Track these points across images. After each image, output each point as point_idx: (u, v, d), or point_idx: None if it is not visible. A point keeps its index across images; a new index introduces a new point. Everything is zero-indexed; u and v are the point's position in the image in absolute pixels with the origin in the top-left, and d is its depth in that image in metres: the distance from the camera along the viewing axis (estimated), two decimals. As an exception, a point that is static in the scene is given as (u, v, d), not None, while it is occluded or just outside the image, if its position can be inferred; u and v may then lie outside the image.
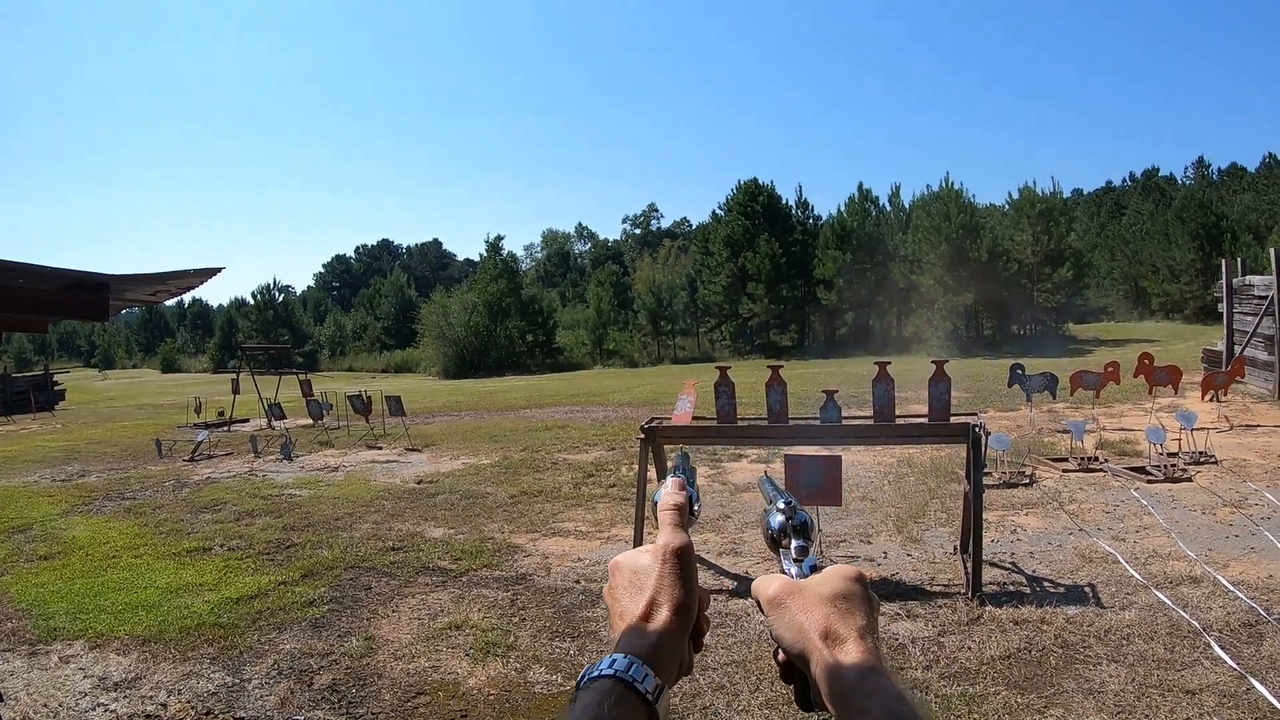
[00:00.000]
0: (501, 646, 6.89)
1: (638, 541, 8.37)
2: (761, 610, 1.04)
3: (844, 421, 8.36)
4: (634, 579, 1.03)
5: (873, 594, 1.03)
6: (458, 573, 8.84)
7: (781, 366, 8.56)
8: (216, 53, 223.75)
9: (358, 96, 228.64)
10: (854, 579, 1.02)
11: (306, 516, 11.41)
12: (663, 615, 0.98)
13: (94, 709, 5.96)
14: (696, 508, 1.15)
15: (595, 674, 0.91)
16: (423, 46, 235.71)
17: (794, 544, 1.09)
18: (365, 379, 51.49)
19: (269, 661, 6.69)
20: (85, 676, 6.50)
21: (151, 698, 6.11)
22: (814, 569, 1.06)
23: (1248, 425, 15.46)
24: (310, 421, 20.85)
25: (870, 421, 8.29)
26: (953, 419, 8.13)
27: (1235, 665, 6.03)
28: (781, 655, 1.01)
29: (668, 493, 1.12)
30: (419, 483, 13.48)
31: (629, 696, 0.89)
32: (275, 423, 21.40)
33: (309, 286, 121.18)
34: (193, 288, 5.54)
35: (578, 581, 8.50)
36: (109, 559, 9.71)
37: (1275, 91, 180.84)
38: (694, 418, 8.74)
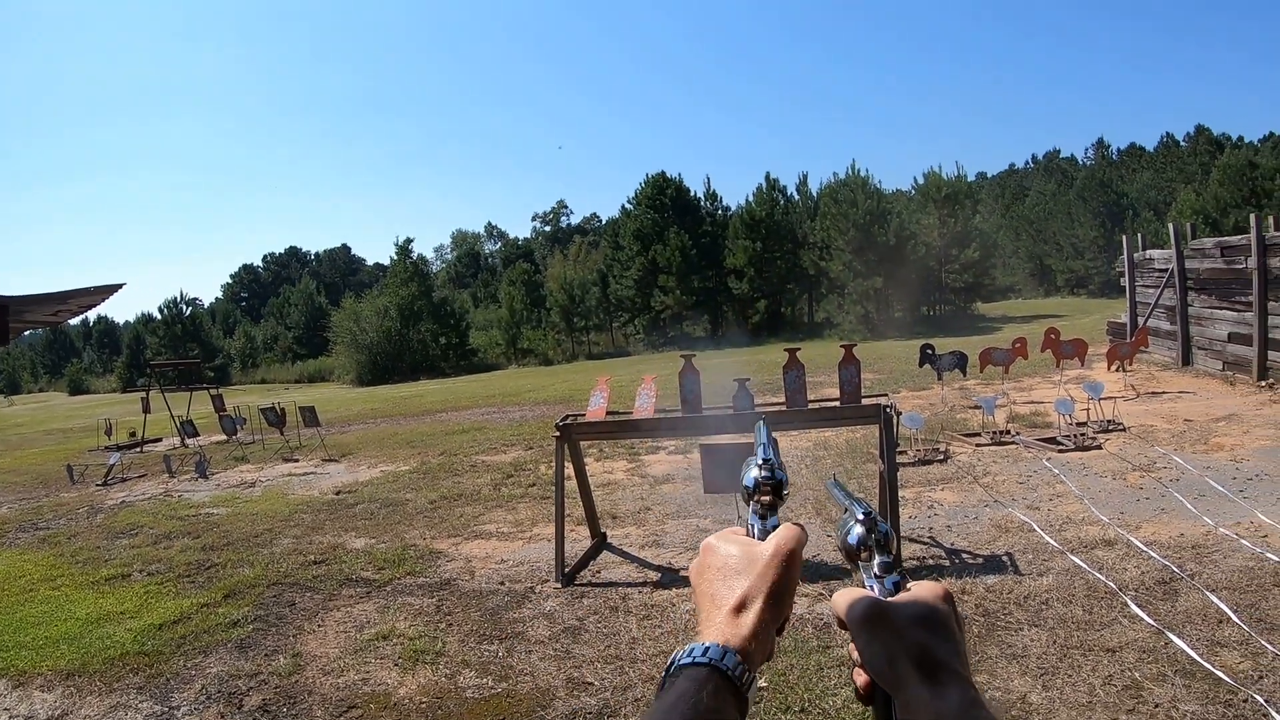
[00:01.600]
0: (430, 654, 6.83)
1: (559, 539, 8.34)
2: (843, 626, 0.99)
3: (757, 408, 8.40)
4: (728, 564, 1.01)
5: (960, 613, 1.00)
6: (381, 582, 8.71)
7: (693, 355, 8.58)
8: (104, 56, 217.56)
9: (259, 101, 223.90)
10: (943, 598, 0.98)
11: (226, 535, 11.14)
12: (757, 606, 0.97)
13: (19, 749, 5.79)
14: (786, 491, 1.12)
15: (688, 660, 0.92)
16: (324, 48, 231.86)
17: (878, 560, 1.03)
18: (279, 390, 50.56)
19: (197, 686, 6.53)
20: (11, 717, 6.28)
21: (79, 733, 5.95)
22: (897, 586, 1.01)
23: (1153, 393, 15.88)
24: (224, 437, 20.39)
25: (783, 407, 8.34)
26: (864, 400, 8.25)
27: (1152, 621, 6.20)
28: (862, 677, 0.96)
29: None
30: (338, 493, 13.27)
31: (724, 686, 0.89)
32: (188, 441, 20.89)
33: (217, 298, 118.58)
34: (95, 305, 5.41)
35: (502, 583, 8.43)
36: (26, 592, 9.36)
37: (1171, 73, 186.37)
38: (608, 412, 8.74)
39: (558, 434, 8.46)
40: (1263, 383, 15.25)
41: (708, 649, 0.92)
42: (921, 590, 0.99)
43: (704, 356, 8.79)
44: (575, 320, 65.97)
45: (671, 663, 0.94)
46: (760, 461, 1.11)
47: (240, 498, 13.63)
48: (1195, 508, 8.76)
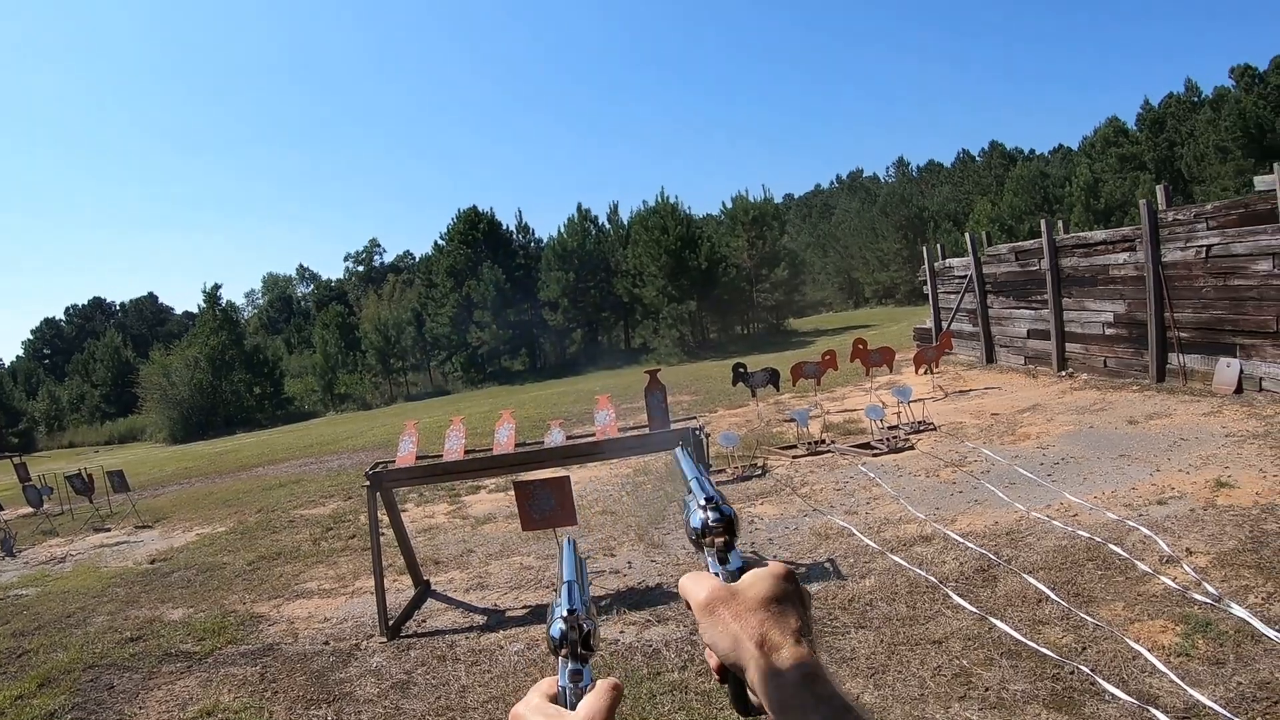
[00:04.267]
0: (256, 727, 6.54)
1: (380, 592, 8.14)
2: (691, 610, 0.99)
3: (570, 441, 8.40)
4: None
5: (805, 590, 1.00)
6: (202, 654, 8.30)
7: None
8: None
9: (52, 138, 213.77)
10: (784, 578, 0.99)
11: (36, 618, 10.42)
12: None
13: None
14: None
15: None
16: (121, 81, 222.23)
17: (719, 541, 1.02)
18: (88, 454, 48.20)
19: None
20: None
21: None
22: (741, 569, 1.01)
23: (961, 391, 16.55)
24: (30, 510, 19.20)
25: (594, 438, 8.36)
26: (673, 425, 8.30)
27: (975, 609, 6.41)
28: (715, 659, 0.97)
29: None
30: (152, 562, 12.61)
31: None
32: (-9, 516, 19.74)
33: (18, 357, 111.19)
34: None
35: (327, 643, 8.16)
36: None
37: (965, 92, 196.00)
38: (419, 456, 8.60)
39: (368, 484, 8.29)
40: (1062, 373, 16.16)
41: None
42: (763, 572, 1.00)
43: (524, 390, 8.72)
44: (392, 361, 65.05)
45: None
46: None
47: (50, 575, 12.83)
48: (1007, 496, 9.16)
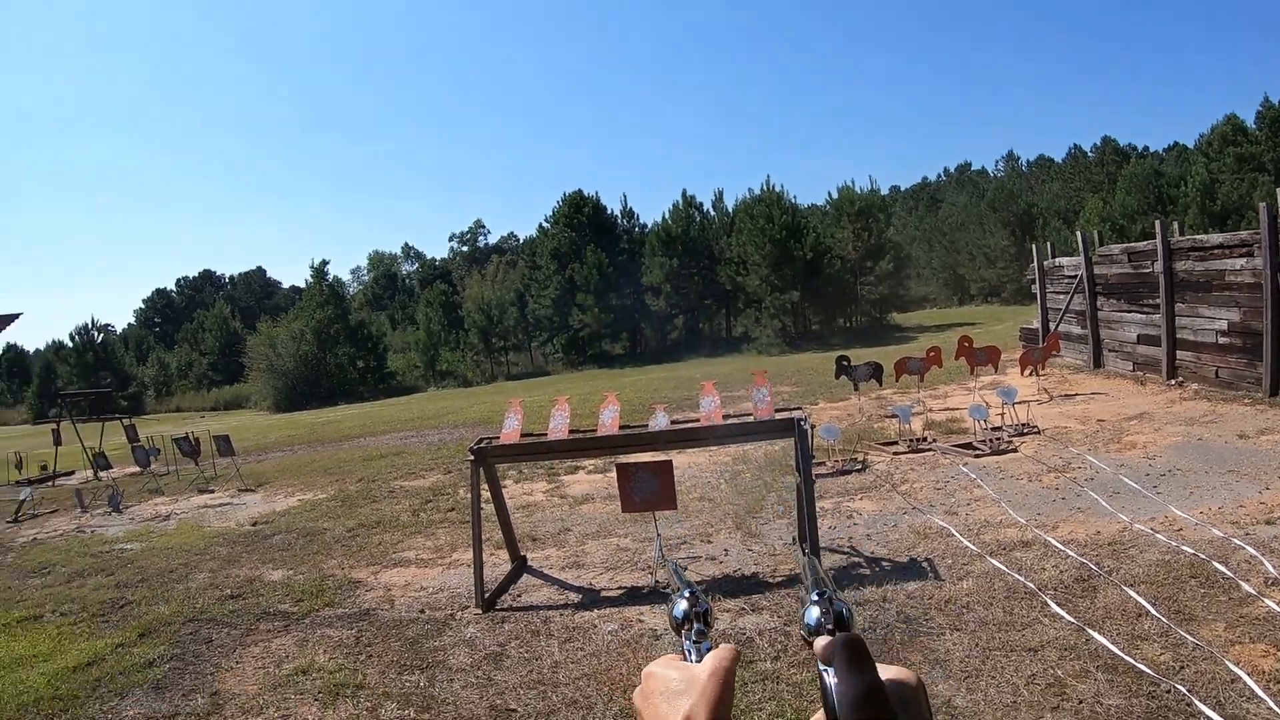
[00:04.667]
0: (350, 687, 6.68)
1: (478, 565, 8.24)
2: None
3: (675, 426, 8.40)
4: (669, 687, 1.03)
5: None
6: (300, 615, 8.50)
7: (611, 391, 8.54)
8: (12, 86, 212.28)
9: (169, 120, 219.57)
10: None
11: (140, 571, 10.77)
12: None
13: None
14: (713, 618, 1.18)
15: None
16: (235, 66, 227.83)
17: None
18: (194, 419, 49.50)
19: None
20: None
21: (-5, 784, 5.71)
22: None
23: (1067, 395, 16.19)
24: (138, 469, 19.76)
25: (699, 424, 8.34)
26: (777, 414, 8.25)
27: (1073, 619, 6.26)
28: None
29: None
30: (254, 524, 12.94)
31: None
32: (101, 473, 20.25)
33: (130, 324, 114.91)
34: (-8, 335, 5.19)
35: (422, 611, 8.29)
36: None
37: (1078, 85, 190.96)
38: (523, 434, 8.67)
39: (472, 458, 8.38)
40: (1172, 381, 15.65)
41: None
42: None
43: (623, 374, 8.73)
44: (493, 341, 65.70)
45: None
46: (688, 595, 1.18)
47: (155, 531, 13.24)
48: (1110, 505, 8.92)
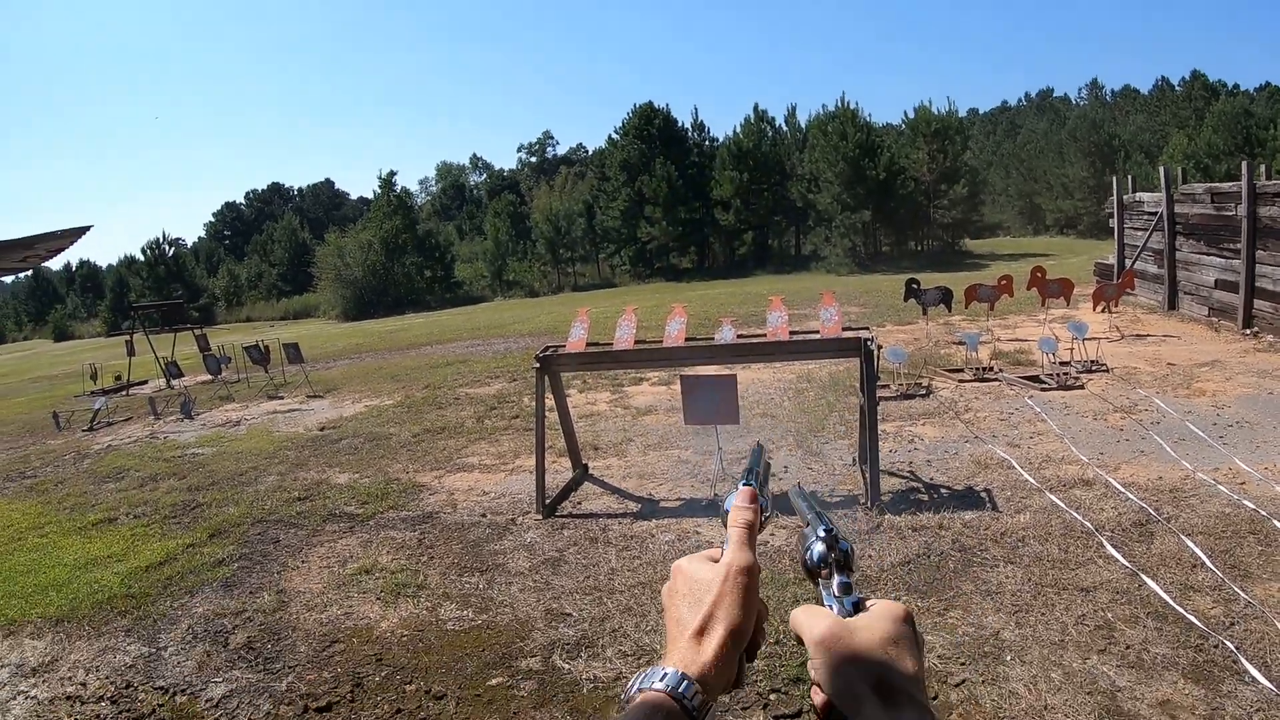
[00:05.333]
0: (412, 587, 6.87)
1: (540, 471, 8.36)
2: (802, 644, 0.98)
3: (741, 340, 8.39)
4: (694, 589, 1.01)
5: (920, 634, 0.99)
6: (365, 517, 8.74)
7: (679, 303, 8.52)
8: (77, 5, 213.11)
9: (239, 34, 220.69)
10: (903, 619, 0.98)
11: (211, 475, 11.09)
12: (718, 634, 0.96)
13: (14, 698, 5.75)
14: (765, 517, 1.11)
15: (647, 685, 0.93)
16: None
17: (837, 580, 1.03)
18: (264, 328, 50.13)
19: (183, 626, 6.55)
20: (2, 666, 6.25)
21: (70, 678, 5.92)
22: (857, 606, 1.00)
23: (1138, 335, 15.86)
24: (209, 377, 20.16)
25: (764, 339, 8.33)
26: (844, 333, 8.19)
27: (1128, 563, 6.21)
28: (820, 696, 0.96)
29: (737, 505, 1.10)
30: (322, 429, 13.23)
31: (677, 714, 0.90)
32: (173, 382, 20.72)
33: (200, 238, 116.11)
34: (63, 249, 5.27)
35: (484, 515, 8.47)
36: (14, 541, 9.27)
37: (1168, 15, 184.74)
38: (589, 344, 8.70)
39: (537, 366, 8.46)
40: (1247, 331, 15.22)
41: (665, 674, 0.93)
42: (882, 611, 0.99)
43: (690, 288, 8.72)
44: (561, 252, 65.69)
45: (630, 686, 0.95)
46: (824, 533, 1.08)
47: (225, 437, 13.57)
48: (1174, 451, 8.75)
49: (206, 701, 5.48)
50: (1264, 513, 6.97)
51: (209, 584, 7.36)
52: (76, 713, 5.48)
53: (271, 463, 11.43)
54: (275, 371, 19.16)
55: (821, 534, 1.06)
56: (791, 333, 8.43)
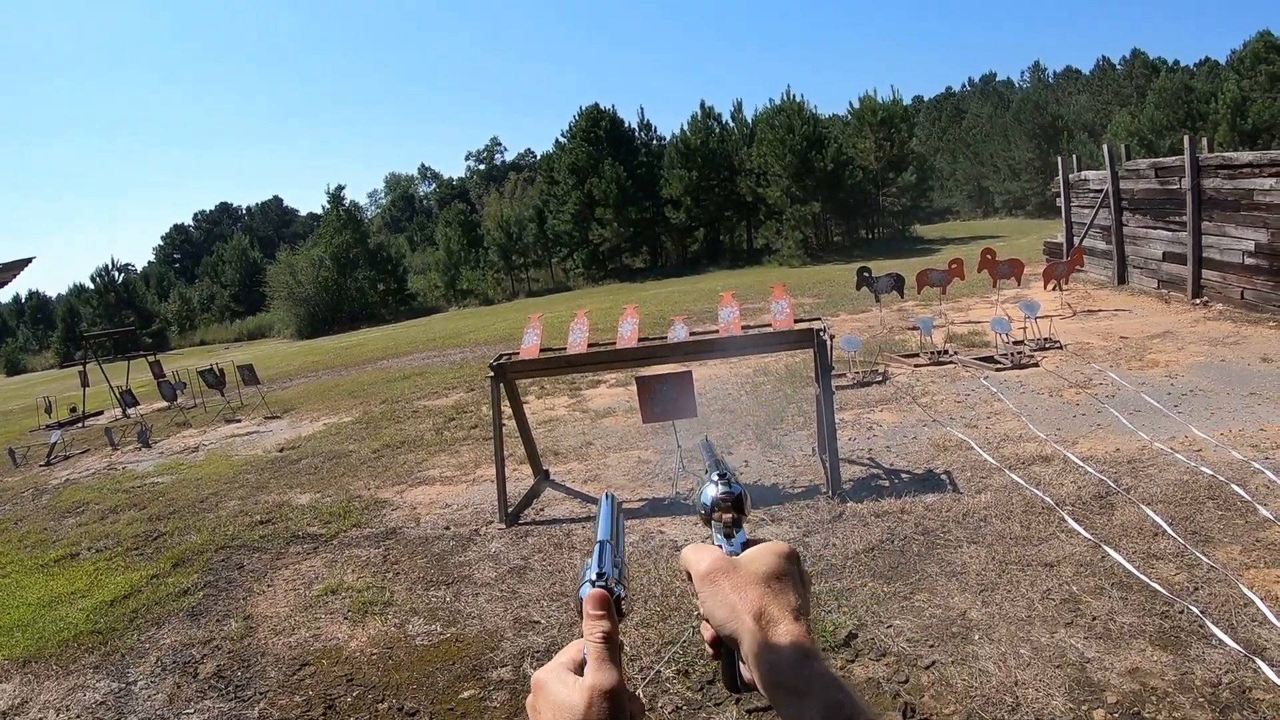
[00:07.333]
0: (379, 604, 6.84)
1: (500, 480, 8.34)
2: (691, 582, 1.01)
3: (694, 337, 8.40)
4: (557, 714, 0.93)
5: (805, 571, 1.01)
6: (328, 536, 8.68)
7: (631, 303, 8.52)
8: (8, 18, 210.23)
9: (177, 54, 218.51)
10: (786, 556, 1.00)
11: (171, 503, 10.93)
12: None
13: (-14, 744, 5.69)
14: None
15: None
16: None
17: (726, 518, 1.06)
18: (218, 351, 49.69)
19: (152, 659, 6.46)
20: None
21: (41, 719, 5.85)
22: (745, 545, 1.04)
23: (1090, 311, 16.05)
24: (165, 404, 19.92)
25: (717, 335, 8.35)
26: (797, 325, 8.23)
27: (1090, 536, 6.30)
28: (709, 631, 0.98)
29: (590, 614, 0.97)
30: (281, 450, 13.10)
31: None
32: (129, 411, 20.39)
33: (150, 262, 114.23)
34: (7, 282, 5.20)
35: (447, 528, 8.44)
36: None
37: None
38: (543, 349, 8.69)
39: (492, 375, 8.43)
40: (1197, 301, 15.44)
41: None
42: (766, 548, 1.02)
43: (644, 288, 8.73)
44: (514, 258, 65.41)
45: None
46: (716, 477, 1.11)
47: (184, 464, 13.38)
48: (1131, 423, 8.89)
49: (179, 735, 5.41)
50: (1222, 478, 7.10)
51: (175, 614, 7.26)
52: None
53: (232, 487, 11.29)
54: (231, 394, 18.90)
55: (715, 478, 1.10)
56: (744, 327, 8.46)
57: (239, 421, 16.65)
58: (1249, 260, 14.21)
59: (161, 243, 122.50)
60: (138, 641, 6.83)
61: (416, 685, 5.57)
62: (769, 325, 8.40)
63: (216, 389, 18.57)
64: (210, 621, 7.02)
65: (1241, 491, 6.81)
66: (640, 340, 8.51)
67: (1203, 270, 15.54)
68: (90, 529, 10.41)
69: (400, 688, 5.56)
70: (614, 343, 8.56)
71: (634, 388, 8.58)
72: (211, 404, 19.08)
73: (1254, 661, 4.61)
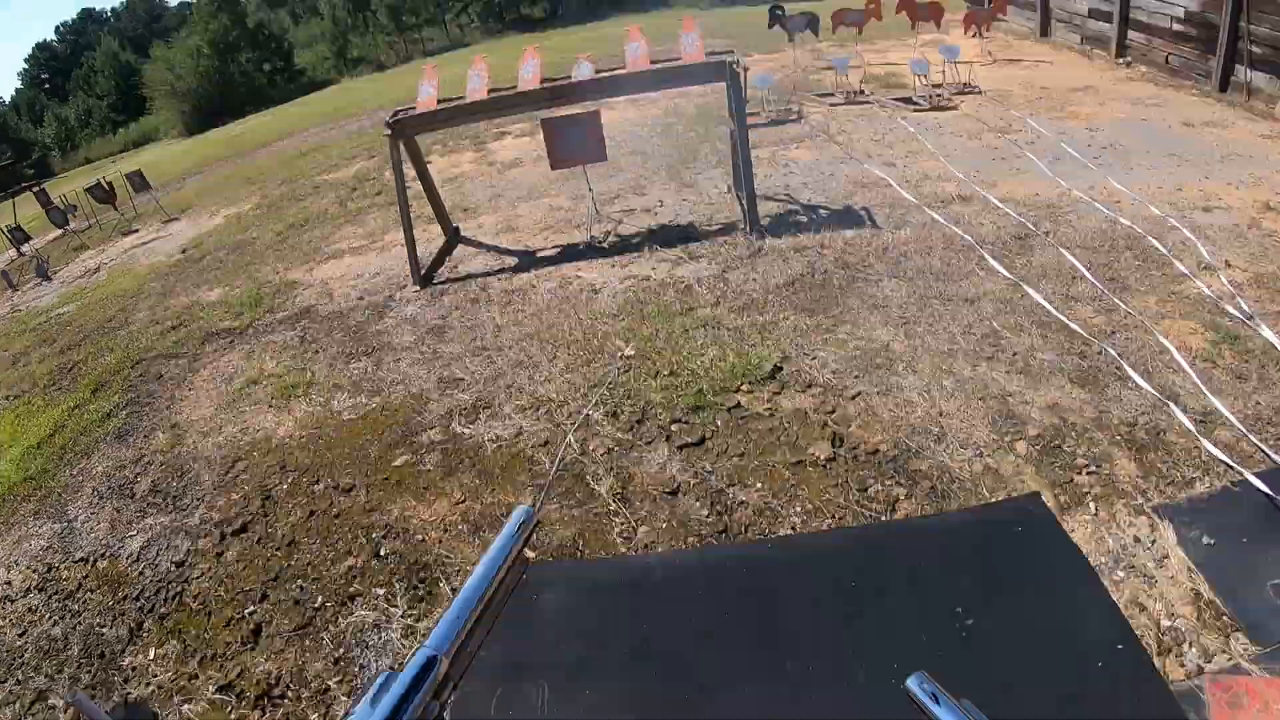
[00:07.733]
0: (301, 386, 6.80)
1: (410, 242, 8.27)
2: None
3: (599, 75, 8.12)
4: None
5: None
6: (242, 328, 8.51)
7: (531, 45, 8.18)
8: None
9: None
10: None
11: (80, 330, 10.43)
12: None
13: (-58, 619, 5.48)
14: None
15: None
16: None
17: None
18: (106, 166, 47.49)
19: (88, 491, 6.34)
20: None
21: (-8, 581, 5.67)
22: None
23: (1011, 60, 15.83)
24: (59, 232, 19.01)
25: (624, 71, 8.06)
26: (709, 58, 7.96)
27: (1009, 275, 6.43)
28: None
29: None
30: (184, 251, 12.63)
31: None
32: (22, 248, 19.49)
33: (17, 89, 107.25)
34: None
35: (361, 298, 8.36)
36: None
37: None
38: (440, 101, 8.33)
39: (389, 133, 8.12)
40: (1120, 60, 15.14)
41: None
42: None
43: (546, 37, 8.41)
44: (405, 18, 62.91)
45: None
46: None
47: (87, 288, 12.75)
48: (1050, 170, 8.88)
49: (127, 558, 5.37)
50: (1139, 230, 7.19)
51: (102, 440, 7.08)
52: (10, 614, 5.25)
53: (139, 299, 10.87)
54: (125, 206, 18.16)
55: None
56: (652, 62, 8.13)
57: (136, 231, 15.99)
58: (1177, 26, 13.89)
59: (26, 65, 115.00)
60: (70, 477, 6.67)
61: (349, 460, 5.57)
62: (678, 59, 8.05)
63: (108, 203, 17.84)
64: (138, 439, 6.88)
65: (1159, 245, 6.89)
66: (543, 81, 8.16)
67: (1129, 31, 15.20)
68: (3, 377, 9.96)
69: (334, 465, 5.56)
70: (514, 86, 8.21)
71: (540, 135, 8.36)
72: (106, 221, 18.25)
73: (1168, 406, 4.80)
